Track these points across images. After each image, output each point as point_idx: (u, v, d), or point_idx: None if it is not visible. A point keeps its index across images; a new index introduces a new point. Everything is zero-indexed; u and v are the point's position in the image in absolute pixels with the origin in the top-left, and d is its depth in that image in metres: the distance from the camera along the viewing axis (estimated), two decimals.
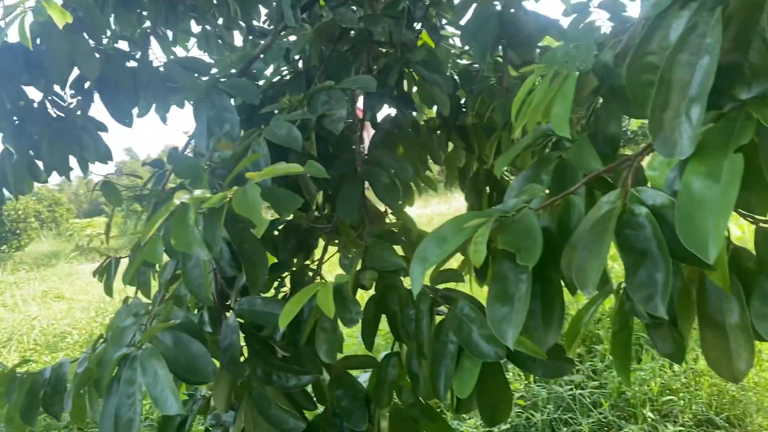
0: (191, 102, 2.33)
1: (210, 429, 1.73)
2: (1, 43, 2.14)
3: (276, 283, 1.93)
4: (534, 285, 0.87)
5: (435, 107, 2.36)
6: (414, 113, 2.42)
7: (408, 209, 2.41)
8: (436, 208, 19.01)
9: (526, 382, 4.33)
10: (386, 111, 2.33)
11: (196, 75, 2.59)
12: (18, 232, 26.13)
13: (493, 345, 1.26)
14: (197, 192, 1.36)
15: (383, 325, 1.64)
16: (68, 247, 25.91)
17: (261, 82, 2.40)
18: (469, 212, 0.93)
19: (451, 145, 2.57)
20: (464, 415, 3.80)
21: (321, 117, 1.66)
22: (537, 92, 1.25)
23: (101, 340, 1.83)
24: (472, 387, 1.27)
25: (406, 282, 1.57)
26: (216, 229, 1.32)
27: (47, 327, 8.64)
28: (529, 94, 1.30)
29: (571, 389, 4.16)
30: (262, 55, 2.38)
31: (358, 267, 1.55)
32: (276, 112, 1.85)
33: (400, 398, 1.65)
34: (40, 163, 2.51)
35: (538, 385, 4.24)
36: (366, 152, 1.94)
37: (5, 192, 2.51)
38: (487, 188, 2.60)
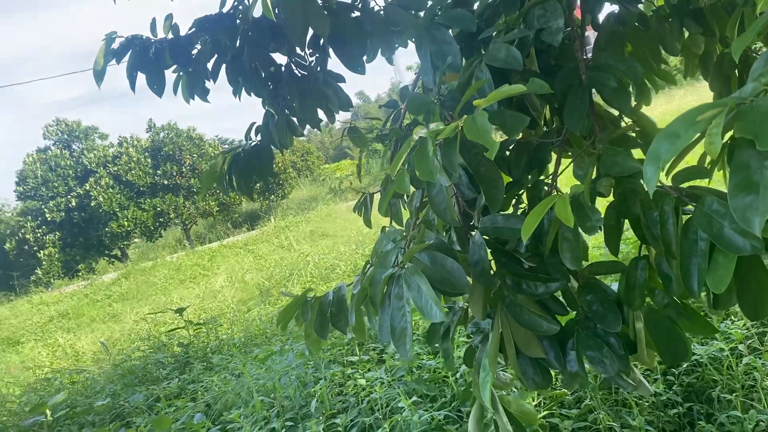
0: (413, 41, 2.47)
1: (470, 335, 1.91)
2: (251, 19, 2.48)
3: (513, 201, 2.02)
4: None
5: None
6: (640, 5, 2.27)
7: (651, 106, 2.29)
8: (681, 102, 17.26)
9: None
10: (608, 9, 2.22)
11: (413, 12, 2.72)
12: (281, 182, 29.60)
13: (748, 237, 1.21)
14: (432, 126, 1.49)
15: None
16: (323, 190, 28.82)
17: (476, 5, 2.43)
18: (703, 104, 0.91)
19: (686, 33, 2.37)
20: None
21: (538, 31, 1.67)
22: None
23: (368, 265, 2.11)
24: (728, 282, 1.25)
25: None
26: (452, 156, 1.44)
27: (319, 261, 9.85)
28: None
29: None
30: None
31: (593, 175, 1.56)
32: (494, 35, 1.89)
33: (653, 300, 1.65)
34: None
35: None
36: (590, 57, 1.89)
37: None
38: (736, 72, 2.36)
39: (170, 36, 2.52)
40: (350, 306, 1.97)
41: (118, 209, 24.96)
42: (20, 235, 25.19)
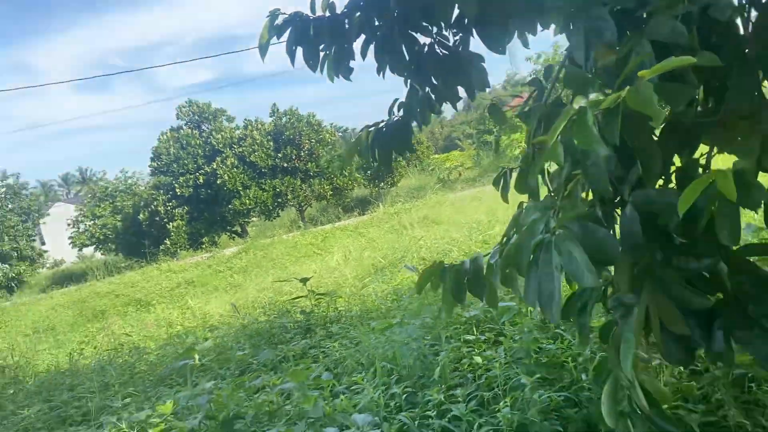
0: (557, 23, 2.49)
1: (610, 310, 1.93)
2: None
3: (661, 181, 2.01)
4: None
5: None
6: None
7: None
8: None
9: None
10: None
11: None
12: (391, 170, 29.94)
13: None
14: (592, 96, 1.54)
15: None
16: (431, 180, 28.97)
17: None
18: None
19: None
20: None
21: (705, 8, 1.66)
22: None
23: (505, 238, 2.18)
24: None
25: None
26: (614, 126, 1.47)
27: (431, 246, 9.99)
28: None
29: None
30: None
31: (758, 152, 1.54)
32: (644, 15, 1.88)
33: None
34: None
35: None
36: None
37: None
38: None
39: (327, 14, 2.69)
40: (492, 272, 2.05)
41: (241, 188, 26.37)
42: (152, 207, 27.24)
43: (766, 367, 1.75)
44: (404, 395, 3.56)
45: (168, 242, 26.40)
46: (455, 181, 28.29)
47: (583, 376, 3.39)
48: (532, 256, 1.69)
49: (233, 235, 28.60)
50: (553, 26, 2.84)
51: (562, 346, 3.81)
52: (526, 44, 3.10)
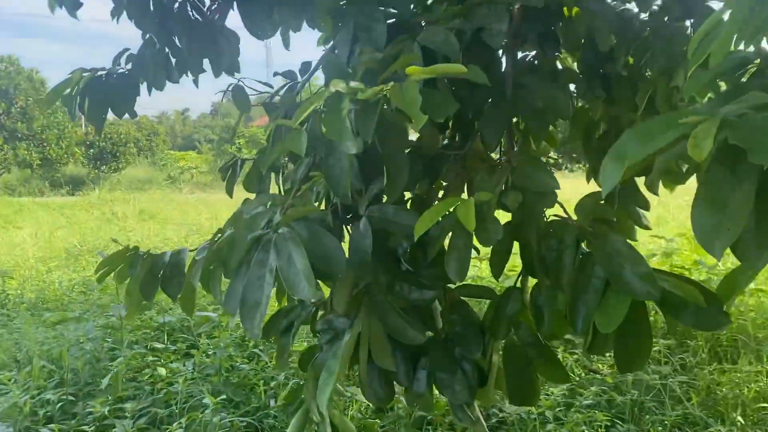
0: (322, 19, 2.31)
1: (318, 333, 1.72)
2: None
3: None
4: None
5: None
6: (556, 57, 2.29)
7: None
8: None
9: (610, 363, 4.17)
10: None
11: None
12: (117, 155, 27.58)
13: (647, 283, 1.18)
14: (353, 83, 1.33)
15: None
16: (161, 175, 27.20)
17: None
18: (684, 110, 0.84)
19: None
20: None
21: (478, 30, 1.58)
22: (731, 21, 1.13)
23: (219, 234, 1.85)
24: (617, 323, 1.19)
25: (548, 213, 1.49)
26: (370, 122, 1.28)
27: (141, 241, 9.09)
28: (715, 27, 1.18)
29: (656, 379, 3.97)
30: None
31: (502, 187, 1.48)
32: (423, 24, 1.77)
33: (517, 334, 1.58)
34: None
35: None
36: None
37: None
38: None
39: None
40: (192, 270, 1.70)
41: None
42: None
43: (456, 414, 1.68)
44: (60, 403, 2.94)
45: None
46: (186, 182, 26.89)
47: (272, 402, 3.16)
48: (246, 253, 1.40)
49: None
50: (319, 34, 2.68)
51: (256, 368, 3.56)
52: (287, 45, 2.87)
